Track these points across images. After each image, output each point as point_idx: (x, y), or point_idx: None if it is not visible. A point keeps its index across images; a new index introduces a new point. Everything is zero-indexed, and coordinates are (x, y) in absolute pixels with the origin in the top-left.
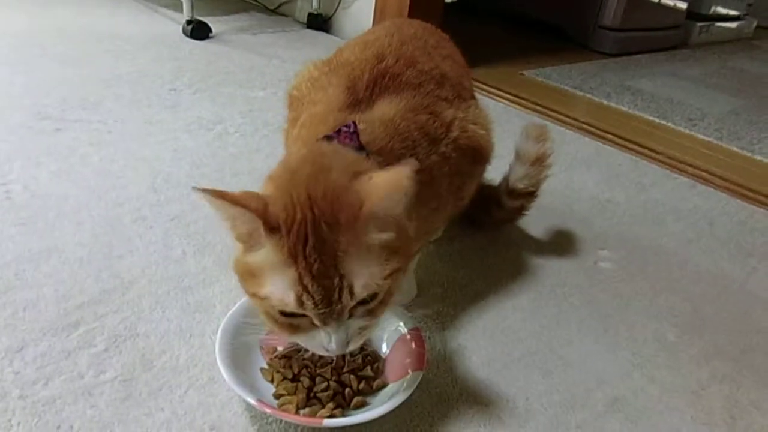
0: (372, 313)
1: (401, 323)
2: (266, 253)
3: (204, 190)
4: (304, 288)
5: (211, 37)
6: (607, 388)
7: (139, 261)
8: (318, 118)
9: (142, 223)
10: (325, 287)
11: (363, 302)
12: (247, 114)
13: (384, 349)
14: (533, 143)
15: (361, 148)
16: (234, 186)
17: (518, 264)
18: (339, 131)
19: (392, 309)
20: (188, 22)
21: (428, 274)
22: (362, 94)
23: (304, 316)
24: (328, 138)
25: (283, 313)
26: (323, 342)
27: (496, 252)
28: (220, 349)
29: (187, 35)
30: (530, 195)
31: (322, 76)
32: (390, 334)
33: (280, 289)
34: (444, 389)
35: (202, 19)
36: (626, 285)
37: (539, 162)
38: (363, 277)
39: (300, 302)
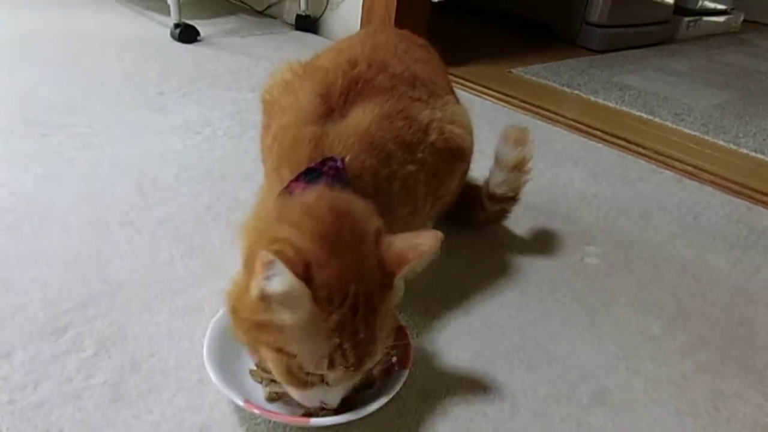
0: (370, 371)
1: None
2: (308, 316)
3: (279, 257)
4: (342, 353)
5: (199, 40)
6: (592, 381)
7: (126, 264)
8: (289, 131)
9: (129, 227)
10: (360, 353)
11: None
12: (235, 116)
13: None
14: (512, 148)
15: (348, 185)
16: (221, 188)
17: (505, 261)
18: (324, 163)
19: None
20: (176, 26)
21: (415, 272)
22: (335, 101)
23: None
24: (311, 172)
25: (306, 372)
26: (323, 398)
27: (482, 249)
28: (209, 351)
29: (175, 39)
30: (510, 200)
31: (295, 79)
32: None
33: (314, 353)
34: (430, 386)
35: (189, 22)
36: (612, 279)
37: (518, 168)
38: (383, 341)
39: (332, 367)
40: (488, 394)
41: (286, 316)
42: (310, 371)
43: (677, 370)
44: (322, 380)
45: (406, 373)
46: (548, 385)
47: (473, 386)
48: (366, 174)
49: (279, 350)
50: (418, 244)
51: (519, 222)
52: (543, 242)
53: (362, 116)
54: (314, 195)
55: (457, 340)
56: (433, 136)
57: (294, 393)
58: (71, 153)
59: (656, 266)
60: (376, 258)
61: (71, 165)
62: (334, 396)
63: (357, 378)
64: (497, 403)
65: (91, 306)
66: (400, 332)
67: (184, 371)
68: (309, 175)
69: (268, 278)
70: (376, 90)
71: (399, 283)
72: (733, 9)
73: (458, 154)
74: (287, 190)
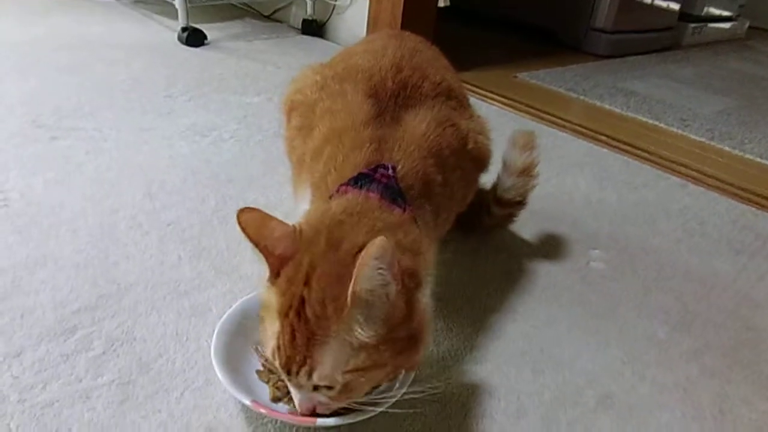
0: (334, 399)
1: None
2: (269, 293)
3: (238, 218)
4: (278, 345)
5: (206, 44)
6: (598, 385)
7: (135, 267)
8: (346, 135)
9: (137, 230)
10: (289, 358)
11: (322, 387)
12: (242, 120)
13: None
14: (520, 153)
15: (398, 191)
16: (228, 192)
17: (510, 266)
18: (376, 169)
19: None
20: (183, 30)
21: None
22: (386, 103)
23: None
24: (362, 177)
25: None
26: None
27: (488, 254)
28: (216, 351)
29: (182, 42)
30: (518, 204)
31: (330, 82)
32: None
33: (268, 332)
34: (436, 390)
35: (197, 26)
36: (617, 284)
37: (526, 173)
38: (325, 368)
39: (273, 355)
40: (494, 398)
41: (266, 295)
42: (264, 354)
43: (683, 375)
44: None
45: (412, 376)
46: (554, 390)
47: (479, 390)
48: (420, 180)
49: (262, 330)
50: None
51: (525, 227)
52: (549, 247)
53: (416, 121)
54: (342, 200)
55: (463, 344)
56: (470, 145)
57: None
58: (80, 157)
59: (661, 271)
60: (344, 279)
61: (80, 169)
62: (297, 402)
63: (316, 395)
64: (504, 407)
65: (100, 307)
66: None
67: (192, 372)
68: (359, 180)
69: None
70: (424, 96)
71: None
72: (738, 16)
73: (484, 164)
74: (335, 193)
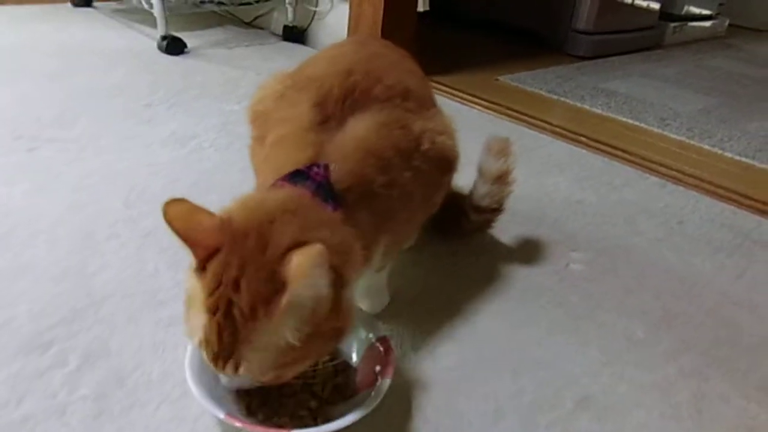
0: (258, 384)
1: (371, 333)
2: (195, 285)
3: (165, 211)
4: (206, 339)
5: (187, 52)
6: (576, 387)
7: (112, 277)
8: (288, 139)
9: (116, 240)
10: (216, 353)
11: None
12: (221, 128)
13: (354, 358)
14: (494, 159)
15: (330, 190)
16: (208, 200)
17: (490, 268)
18: (310, 168)
19: (362, 318)
20: (163, 38)
21: (401, 280)
22: (332, 109)
23: None
24: (298, 174)
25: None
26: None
27: (468, 257)
28: (190, 364)
29: (162, 50)
30: (495, 210)
31: (288, 91)
32: (359, 343)
33: (194, 323)
34: (415, 394)
35: (176, 34)
36: (597, 285)
37: (501, 180)
38: (251, 365)
39: (199, 345)
40: (473, 401)
41: (187, 282)
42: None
43: (661, 375)
44: None
45: (388, 383)
46: (533, 392)
47: (458, 394)
48: (360, 182)
49: (186, 319)
50: (295, 265)
51: (505, 229)
52: (528, 249)
53: (360, 125)
54: (272, 193)
55: (442, 348)
56: (425, 146)
57: None
58: (59, 166)
59: (641, 271)
60: (268, 273)
61: (59, 178)
62: (223, 380)
63: (236, 379)
64: (482, 409)
65: (77, 320)
66: (383, 343)
67: (168, 384)
68: (295, 177)
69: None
70: (373, 99)
71: (382, 291)
72: (718, 14)
73: (447, 164)
74: (272, 187)
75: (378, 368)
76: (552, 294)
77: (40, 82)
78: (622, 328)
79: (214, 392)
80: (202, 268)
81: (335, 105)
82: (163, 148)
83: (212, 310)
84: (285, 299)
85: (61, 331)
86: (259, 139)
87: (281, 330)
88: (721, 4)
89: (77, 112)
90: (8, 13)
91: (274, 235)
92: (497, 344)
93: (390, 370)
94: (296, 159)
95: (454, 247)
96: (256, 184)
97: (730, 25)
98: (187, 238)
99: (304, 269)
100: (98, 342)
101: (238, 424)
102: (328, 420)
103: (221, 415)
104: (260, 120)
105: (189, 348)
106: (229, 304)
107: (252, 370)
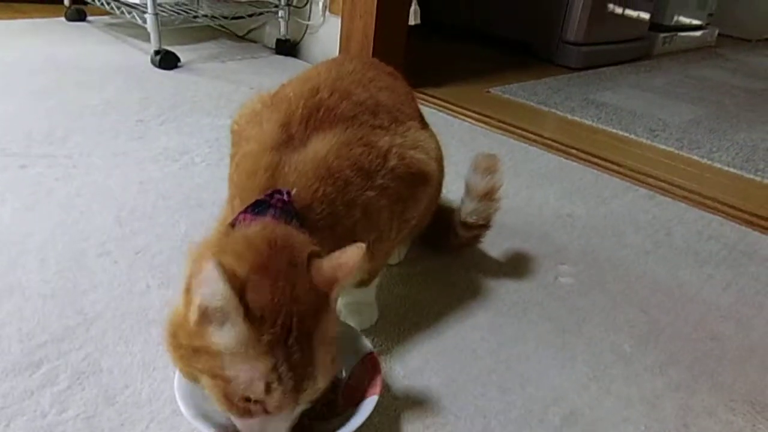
0: (313, 400)
1: (359, 349)
2: (239, 337)
3: (218, 267)
4: (279, 377)
5: (180, 66)
6: (564, 402)
7: (103, 296)
8: (249, 159)
9: (106, 258)
10: (298, 376)
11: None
12: (213, 143)
13: (342, 374)
14: (481, 177)
15: (295, 214)
16: (199, 216)
17: (479, 282)
18: (272, 195)
19: (351, 334)
20: (156, 53)
21: (389, 295)
22: (295, 129)
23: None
24: (259, 204)
25: (245, 397)
26: (265, 428)
27: (457, 272)
28: (179, 383)
29: (155, 65)
30: (482, 227)
31: (264, 110)
32: (348, 359)
33: (250, 376)
34: (402, 411)
35: (170, 48)
36: (585, 299)
37: (488, 197)
38: (325, 367)
39: (268, 390)
40: (461, 418)
41: (221, 338)
42: (249, 396)
43: (648, 389)
44: (264, 410)
45: (376, 399)
46: (521, 408)
47: (446, 410)
48: (319, 202)
49: (215, 376)
50: (344, 262)
51: (493, 243)
52: (517, 263)
53: (320, 144)
54: (256, 228)
55: (430, 364)
56: (393, 162)
57: (237, 423)
58: (50, 183)
59: (629, 284)
60: (309, 282)
61: (50, 195)
62: (276, 426)
63: (298, 408)
64: (469, 427)
65: (67, 339)
66: (371, 359)
67: (158, 402)
68: (257, 207)
69: (206, 292)
70: (338, 118)
71: (372, 307)
72: (708, 24)
73: (421, 179)
74: (235, 221)
75: (365, 385)
76: (540, 308)
77: (31, 98)
78: (609, 342)
79: (202, 411)
80: (249, 317)
81: (299, 124)
82: (155, 164)
83: (284, 336)
84: (335, 292)
85: (51, 351)
86: (232, 157)
87: (331, 325)
88: (710, 15)
89: (68, 129)
90: (1, 28)
91: (294, 257)
92: (485, 360)
93: (378, 387)
94: (253, 182)
95: (443, 261)
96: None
97: (719, 35)
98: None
99: (352, 268)
100: (88, 361)
101: None
102: None
103: None
104: (235, 138)
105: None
106: (299, 317)
107: (326, 375)
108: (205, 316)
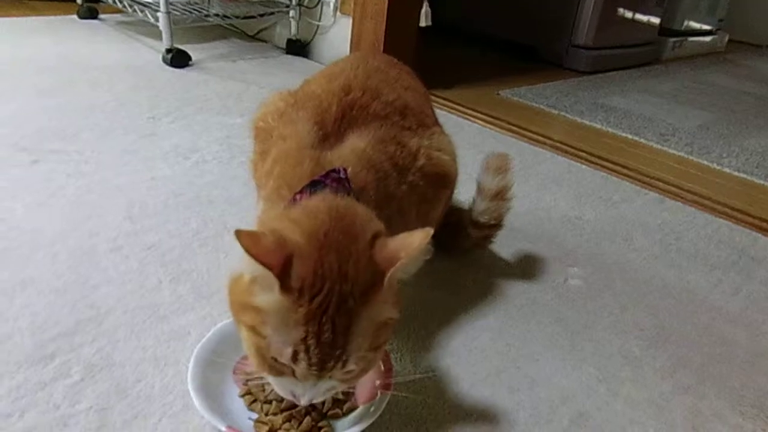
0: (348, 380)
1: None
2: (278, 303)
3: (241, 239)
4: (306, 349)
5: (191, 65)
6: (572, 403)
7: (114, 291)
8: (291, 155)
9: (118, 253)
10: (324, 354)
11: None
12: (223, 141)
13: None
14: (493, 177)
15: (351, 192)
16: (210, 213)
17: (489, 284)
18: (327, 175)
19: None
20: (168, 51)
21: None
22: (331, 127)
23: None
24: (316, 184)
25: (273, 357)
26: (295, 391)
27: (467, 273)
28: (193, 376)
29: (166, 63)
30: (494, 227)
31: (289, 109)
32: None
33: (282, 340)
34: (412, 410)
35: (181, 47)
36: (594, 301)
37: (500, 196)
38: (360, 351)
39: (295, 359)
40: (469, 417)
41: (263, 300)
42: (276, 358)
43: (657, 392)
44: (292, 372)
45: (387, 397)
46: (529, 408)
47: (455, 410)
48: (368, 189)
49: (252, 329)
50: (410, 242)
51: (503, 245)
52: (526, 265)
53: (358, 140)
54: (317, 198)
55: (439, 364)
56: (421, 161)
57: (270, 379)
58: (61, 180)
59: (638, 288)
60: (367, 258)
61: (61, 192)
62: (303, 391)
63: (328, 383)
64: (479, 426)
65: (79, 332)
66: (382, 357)
67: (170, 396)
68: (313, 187)
69: (247, 263)
70: (371, 117)
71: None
72: (718, 29)
73: (445, 180)
74: (292, 201)
75: (378, 382)
76: (549, 310)
77: (42, 96)
78: (618, 344)
79: (215, 405)
80: (286, 284)
81: (333, 123)
82: (165, 162)
83: (323, 308)
84: (390, 274)
85: (63, 344)
86: (261, 154)
87: (382, 308)
88: (720, 20)
89: (79, 126)
90: (13, 25)
91: (353, 230)
92: (494, 360)
93: (389, 385)
94: (301, 170)
95: (454, 262)
96: (259, 196)
97: (729, 40)
98: (264, 262)
99: (418, 246)
100: (100, 355)
101: None
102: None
103: (223, 427)
104: (262, 136)
105: (192, 360)
106: (340, 296)
107: (357, 362)
108: (254, 279)
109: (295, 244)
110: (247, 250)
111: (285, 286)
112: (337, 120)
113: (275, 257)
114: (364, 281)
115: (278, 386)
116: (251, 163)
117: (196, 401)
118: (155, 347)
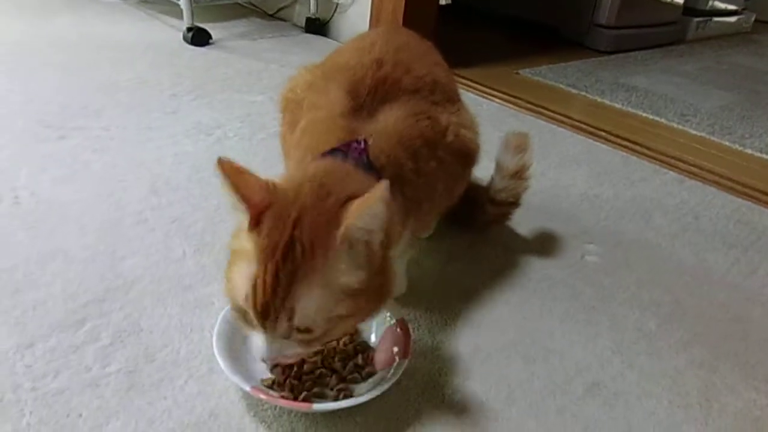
0: (304, 345)
1: (389, 314)
2: (244, 241)
3: (220, 165)
4: (254, 288)
5: (211, 44)
6: (587, 374)
7: (141, 261)
8: (321, 124)
9: (143, 225)
10: (269, 298)
11: (301, 330)
12: (245, 118)
13: (373, 338)
14: (512, 155)
15: (369, 164)
16: None
17: (506, 259)
18: (349, 145)
19: None
20: (188, 29)
21: (419, 269)
22: (364, 99)
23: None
24: (335, 151)
25: (236, 308)
26: (258, 344)
27: (485, 248)
28: (218, 341)
29: (187, 42)
30: (512, 204)
31: (318, 80)
32: (379, 324)
33: (241, 278)
34: (430, 377)
35: (201, 25)
36: (611, 278)
37: (518, 175)
38: (307, 308)
39: (246, 299)
40: (485, 385)
41: (240, 244)
42: (234, 300)
43: (671, 365)
44: (247, 319)
45: (405, 363)
46: (544, 378)
47: (471, 378)
48: (394, 163)
49: (230, 270)
50: (363, 200)
51: (521, 222)
52: (544, 241)
53: (391, 115)
54: (322, 161)
55: (457, 335)
56: (450, 138)
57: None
58: (87, 155)
59: (655, 265)
60: (330, 215)
61: (87, 166)
62: (262, 345)
63: (288, 344)
64: (494, 394)
65: (108, 300)
66: (401, 324)
67: (195, 361)
68: (334, 153)
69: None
70: (402, 91)
71: (401, 278)
72: (744, 9)
73: (470, 157)
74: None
75: (396, 349)
76: (566, 285)
77: (66, 74)
78: (634, 319)
79: (239, 368)
80: (255, 222)
81: (367, 95)
82: (188, 138)
83: (269, 252)
84: (343, 229)
85: (93, 310)
86: (290, 125)
87: (337, 269)
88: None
89: (103, 103)
90: (35, 5)
91: (331, 190)
92: (510, 332)
93: (408, 351)
94: (329, 141)
95: (472, 238)
96: (286, 166)
97: (756, 20)
98: (241, 193)
99: (370, 199)
100: (128, 321)
101: (262, 397)
102: (347, 396)
103: (247, 388)
104: (291, 107)
105: (216, 327)
106: (289, 242)
107: (308, 317)
108: (238, 230)
109: (281, 193)
110: (225, 179)
111: (253, 223)
112: (370, 93)
113: (254, 194)
114: (317, 234)
115: (252, 342)
116: (280, 136)
117: (221, 363)
118: (181, 315)
